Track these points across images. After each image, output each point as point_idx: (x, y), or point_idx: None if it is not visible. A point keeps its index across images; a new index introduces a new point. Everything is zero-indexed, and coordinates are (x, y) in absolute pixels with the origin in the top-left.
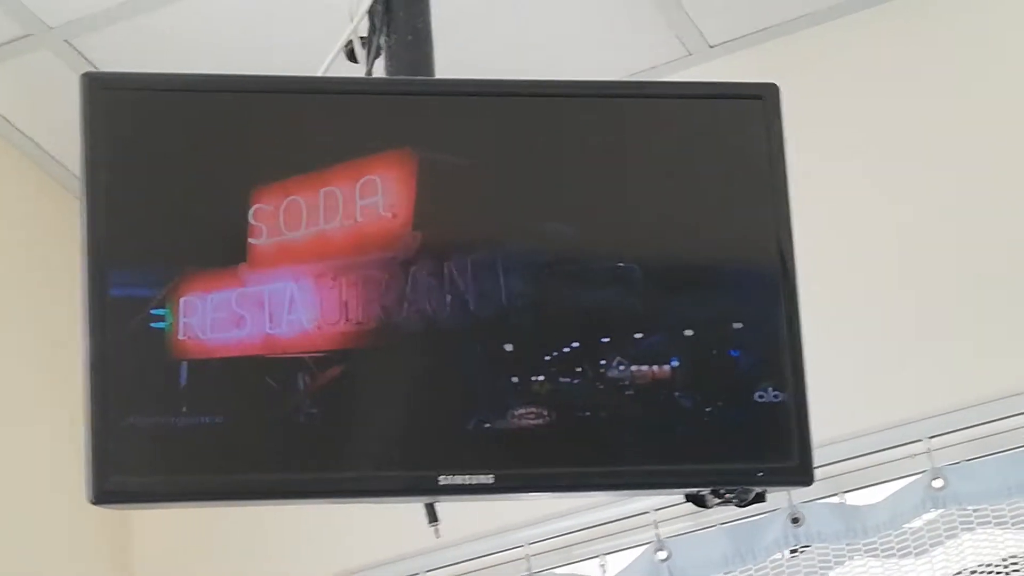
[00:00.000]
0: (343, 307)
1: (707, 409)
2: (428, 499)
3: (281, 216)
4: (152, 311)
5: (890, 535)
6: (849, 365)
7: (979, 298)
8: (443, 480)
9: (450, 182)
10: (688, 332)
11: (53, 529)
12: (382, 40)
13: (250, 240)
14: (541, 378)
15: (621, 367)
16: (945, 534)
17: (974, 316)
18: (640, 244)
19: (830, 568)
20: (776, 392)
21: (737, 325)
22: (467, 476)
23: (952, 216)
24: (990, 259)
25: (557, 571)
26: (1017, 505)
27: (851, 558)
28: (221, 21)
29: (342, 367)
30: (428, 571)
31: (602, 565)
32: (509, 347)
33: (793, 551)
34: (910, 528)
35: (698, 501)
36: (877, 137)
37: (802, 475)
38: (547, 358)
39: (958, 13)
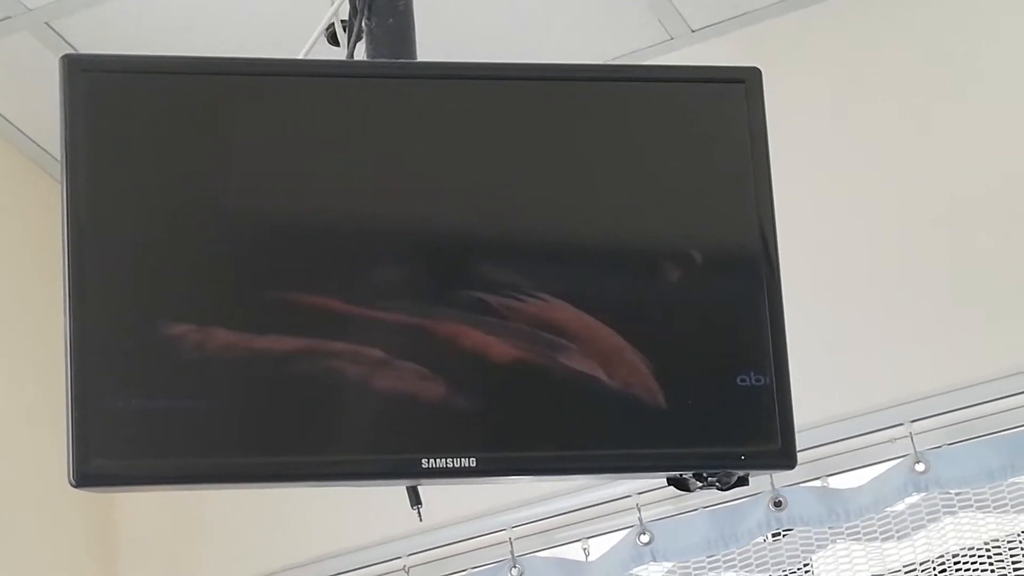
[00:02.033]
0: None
1: (689, 393)
2: (411, 482)
3: None
4: None
5: (872, 519)
6: (831, 349)
7: (961, 282)
8: (426, 463)
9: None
10: (670, 316)
11: (36, 513)
12: (363, 23)
13: None
14: (522, 360)
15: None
16: (927, 518)
17: (956, 300)
18: (621, 227)
19: (812, 552)
20: (758, 376)
21: (719, 309)
22: (450, 459)
23: (934, 201)
24: (971, 244)
25: (540, 555)
26: (999, 489)
27: (833, 542)
28: (203, 4)
29: (324, 351)
30: (410, 554)
31: (585, 548)
32: (490, 331)
33: (775, 535)
34: (892, 512)
35: (680, 485)
36: (858, 121)
37: (785, 459)
38: (528, 341)
39: None
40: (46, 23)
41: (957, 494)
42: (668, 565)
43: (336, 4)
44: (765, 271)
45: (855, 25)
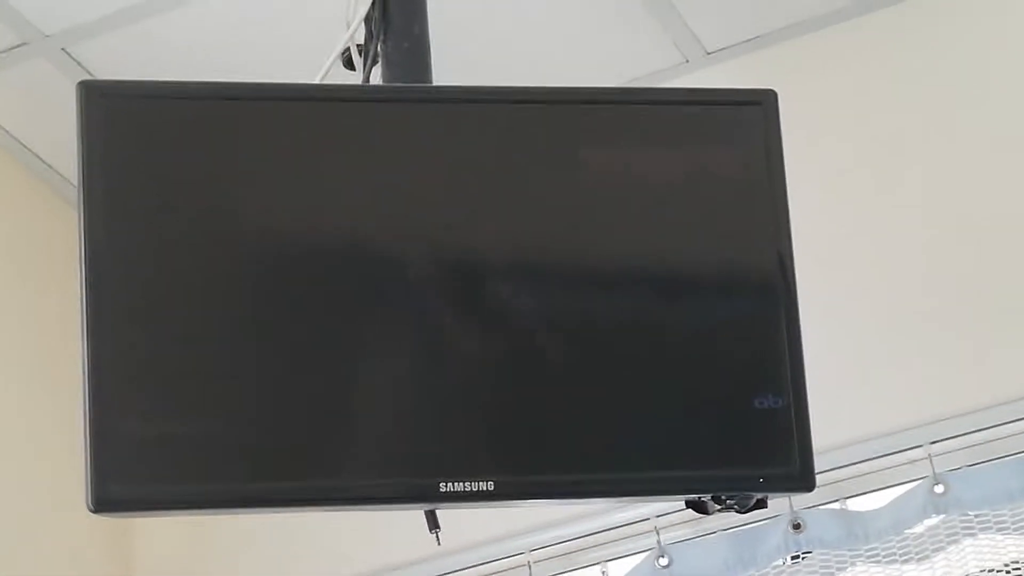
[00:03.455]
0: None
1: (708, 415)
2: (429, 507)
3: None
4: None
5: (892, 541)
6: (850, 371)
7: (980, 303)
8: (444, 487)
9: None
10: (688, 339)
11: (55, 537)
12: (379, 47)
13: None
14: (539, 384)
15: (623, 374)
16: (947, 540)
17: (975, 321)
18: (638, 250)
19: (832, 574)
20: (776, 398)
21: (737, 331)
22: (468, 483)
23: (953, 222)
24: (992, 264)
25: None
26: (1019, 510)
27: (853, 564)
28: (219, 29)
29: (340, 373)
30: None
31: (603, 572)
32: (507, 354)
33: (795, 557)
34: (912, 534)
35: (699, 507)
36: (876, 143)
37: (803, 481)
38: (546, 363)
39: (958, 19)
40: (63, 49)
41: (976, 516)
42: None
43: (352, 28)
44: (782, 292)
45: (871, 47)
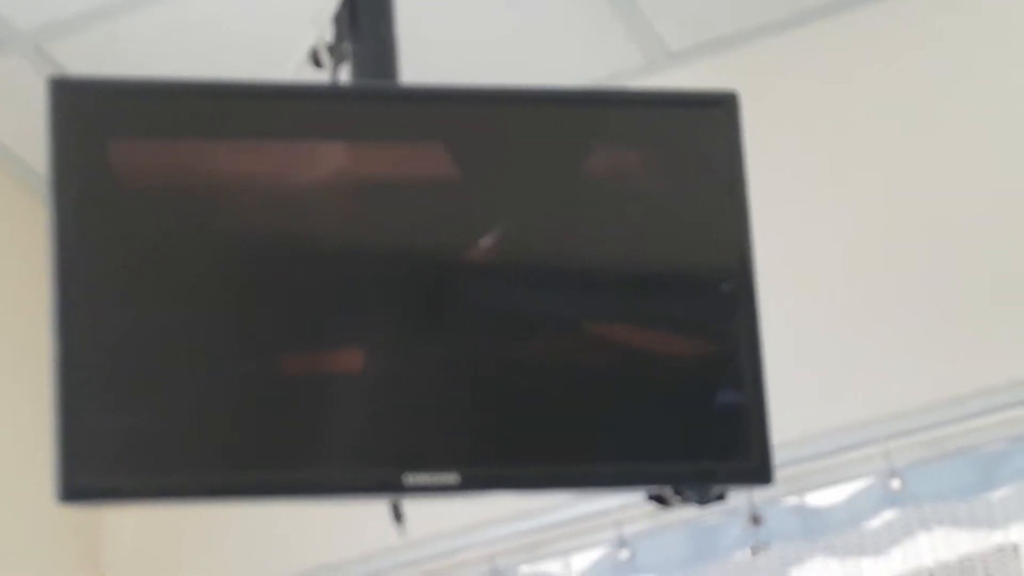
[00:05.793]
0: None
1: (669, 409)
2: (394, 498)
3: None
4: None
5: (849, 534)
6: (808, 367)
7: (936, 301)
8: (408, 479)
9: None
10: (649, 334)
11: (22, 528)
12: (347, 46)
13: None
14: (503, 378)
15: (586, 368)
16: (903, 533)
17: (931, 319)
18: (600, 250)
19: (790, 567)
20: (736, 394)
21: (698, 328)
22: (432, 475)
23: (910, 221)
24: (948, 263)
25: (521, 569)
26: (973, 504)
27: (811, 557)
28: (192, 26)
29: (310, 367)
30: (392, 569)
31: (566, 564)
32: (473, 348)
33: (756, 550)
34: (869, 527)
35: (660, 500)
36: (836, 144)
37: (762, 474)
38: (511, 358)
39: (921, 22)
40: (36, 46)
41: (932, 510)
42: None
43: (319, 27)
44: (743, 289)
45: (834, 50)
